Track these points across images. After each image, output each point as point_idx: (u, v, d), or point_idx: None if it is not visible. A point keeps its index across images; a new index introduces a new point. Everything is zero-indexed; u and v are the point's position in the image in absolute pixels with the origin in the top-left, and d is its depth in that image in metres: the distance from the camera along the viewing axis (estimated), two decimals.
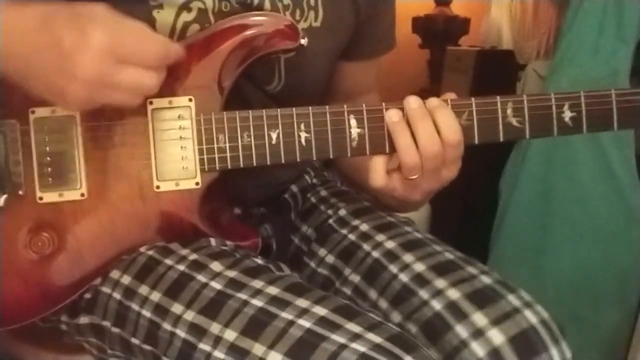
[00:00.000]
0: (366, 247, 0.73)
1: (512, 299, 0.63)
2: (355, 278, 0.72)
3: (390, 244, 0.72)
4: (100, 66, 0.56)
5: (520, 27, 1.86)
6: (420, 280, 0.67)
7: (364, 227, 0.76)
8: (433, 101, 0.67)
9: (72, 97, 0.57)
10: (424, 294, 0.65)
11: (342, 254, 0.76)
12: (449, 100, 0.68)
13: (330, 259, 0.77)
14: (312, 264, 0.78)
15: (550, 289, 1.52)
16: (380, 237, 0.74)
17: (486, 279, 0.66)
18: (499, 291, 0.64)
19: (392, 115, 0.66)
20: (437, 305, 0.64)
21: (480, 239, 1.65)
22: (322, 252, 0.78)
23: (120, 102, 0.60)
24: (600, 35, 1.45)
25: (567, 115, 0.69)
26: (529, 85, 1.75)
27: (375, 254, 0.72)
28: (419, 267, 0.68)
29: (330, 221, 0.80)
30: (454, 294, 0.64)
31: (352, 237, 0.76)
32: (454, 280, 0.65)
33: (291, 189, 0.86)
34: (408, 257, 0.70)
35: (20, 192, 0.66)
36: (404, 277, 0.68)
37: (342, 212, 0.80)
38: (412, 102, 0.66)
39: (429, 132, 0.65)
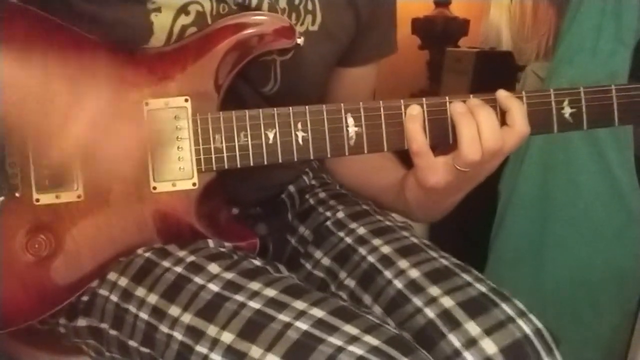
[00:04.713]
0: (362, 251, 0.73)
1: (506, 308, 0.63)
2: (351, 283, 0.72)
3: (386, 249, 0.72)
4: None
5: (520, 28, 1.86)
6: (415, 287, 0.66)
7: (361, 230, 0.76)
8: (503, 92, 0.68)
9: None
10: (417, 301, 0.65)
11: (338, 257, 0.75)
12: (447, 98, 0.68)
13: (326, 261, 0.76)
14: (308, 266, 0.78)
15: (550, 289, 1.51)
16: (376, 242, 0.73)
17: (480, 287, 0.65)
18: (493, 300, 0.64)
19: (458, 107, 0.66)
20: (430, 313, 0.64)
21: (480, 240, 1.65)
22: (318, 254, 0.78)
23: None
24: (599, 36, 1.45)
25: (567, 111, 0.69)
26: (528, 87, 1.75)
27: (371, 258, 0.72)
28: (414, 273, 0.68)
29: (328, 223, 0.80)
30: (447, 302, 0.64)
31: (348, 240, 0.76)
32: (448, 288, 0.65)
33: (288, 189, 0.85)
34: (403, 263, 0.69)
35: (17, 194, 0.66)
36: (398, 284, 0.68)
37: (340, 215, 0.80)
38: (474, 99, 0.67)
39: (493, 127, 0.65)
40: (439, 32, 2.36)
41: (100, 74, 0.66)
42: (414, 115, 0.67)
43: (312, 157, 0.68)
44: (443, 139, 0.68)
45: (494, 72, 1.95)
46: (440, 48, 2.28)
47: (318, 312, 0.57)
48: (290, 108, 0.67)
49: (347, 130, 0.67)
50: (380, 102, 0.68)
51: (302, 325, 0.56)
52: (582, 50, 1.47)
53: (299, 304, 0.58)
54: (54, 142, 0.65)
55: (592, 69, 1.45)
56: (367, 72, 0.89)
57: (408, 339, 0.59)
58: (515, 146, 0.67)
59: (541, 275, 1.52)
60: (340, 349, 0.53)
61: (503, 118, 0.67)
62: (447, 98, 0.67)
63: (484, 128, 0.65)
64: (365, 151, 0.68)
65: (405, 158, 0.71)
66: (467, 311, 0.63)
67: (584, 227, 1.48)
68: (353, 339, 0.54)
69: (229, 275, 0.62)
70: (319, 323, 0.56)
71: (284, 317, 0.57)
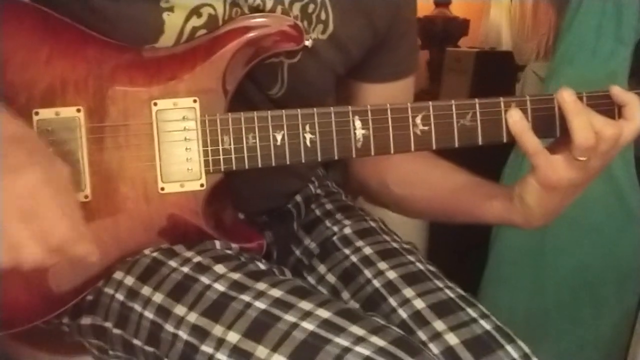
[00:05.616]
0: (367, 273, 0.74)
1: (510, 351, 0.63)
2: (354, 305, 0.72)
3: (391, 274, 0.72)
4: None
5: (520, 28, 1.86)
6: (420, 319, 0.67)
7: (367, 250, 0.76)
8: (618, 88, 0.68)
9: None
10: (422, 335, 0.65)
11: (343, 275, 0.76)
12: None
13: (330, 278, 0.77)
14: (311, 280, 0.79)
15: (550, 289, 1.52)
16: (382, 265, 0.74)
17: (485, 325, 0.66)
18: (498, 340, 0.64)
19: (568, 96, 0.66)
20: (434, 349, 0.64)
21: (480, 240, 1.65)
22: (322, 269, 0.78)
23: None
24: (599, 36, 1.45)
25: None
26: (528, 87, 1.75)
27: (376, 283, 0.72)
28: (419, 304, 0.68)
29: (334, 238, 0.80)
30: (452, 339, 0.64)
31: (354, 258, 0.76)
32: (453, 323, 0.65)
33: (295, 198, 0.85)
34: (408, 292, 0.70)
35: None
36: (402, 313, 0.68)
37: (347, 231, 0.80)
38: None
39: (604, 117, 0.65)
40: (439, 32, 2.36)
41: (107, 74, 0.66)
42: (517, 120, 0.67)
43: (319, 159, 0.68)
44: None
45: (494, 72, 1.96)
46: (440, 48, 2.28)
47: (324, 313, 0.57)
48: (299, 110, 0.67)
49: (355, 133, 0.67)
50: (388, 104, 0.68)
51: (309, 325, 0.56)
52: (582, 50, 1.47)
53: (305, 305, 0.58)
54: None
55: (592, 69, 1.46)
56: (402, 88, 0.86)
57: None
58: (632, 139, 0.67)
59: (541, 276, 1.52)
60: (347, 350, 0.54)
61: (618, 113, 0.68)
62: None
63: (596, 117, 0.65)
64: (372, 153, 0.68)
65: None
66: (472, 351, 0.63)
67: (584, 227, 1.48)
68: (359, 340, 0.55)
69: (235, 276, 0.62)
70: (325, 323, 0.56)
71: (290, 318, 0.57)
